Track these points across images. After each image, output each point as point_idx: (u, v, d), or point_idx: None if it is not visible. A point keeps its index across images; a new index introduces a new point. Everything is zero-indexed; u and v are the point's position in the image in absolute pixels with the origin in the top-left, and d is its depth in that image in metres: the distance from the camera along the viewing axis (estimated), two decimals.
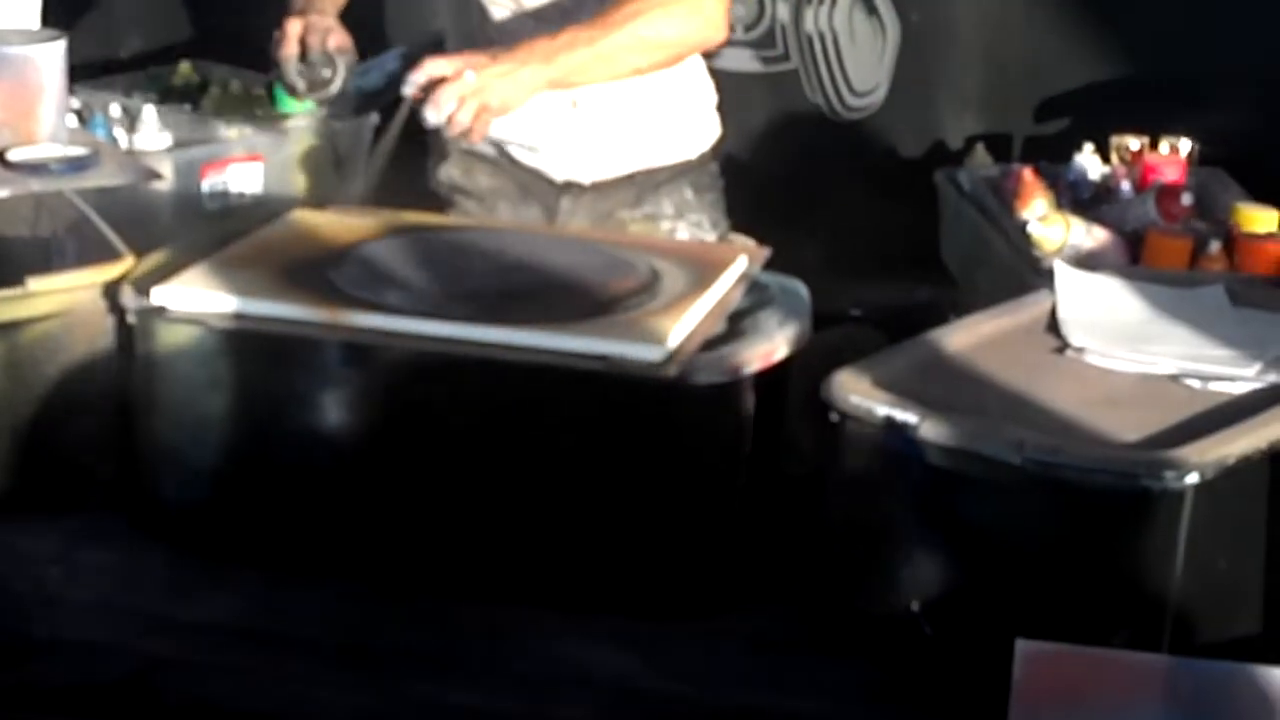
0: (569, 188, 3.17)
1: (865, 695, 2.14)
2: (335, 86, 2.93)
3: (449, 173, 3.20)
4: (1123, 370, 2.34)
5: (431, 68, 2.67)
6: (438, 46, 3.28)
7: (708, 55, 3.15)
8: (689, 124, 3.19)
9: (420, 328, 2.29)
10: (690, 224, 3.17)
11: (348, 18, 3.01)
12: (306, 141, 3.40)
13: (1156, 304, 2.56)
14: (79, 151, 2.71)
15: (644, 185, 3.16)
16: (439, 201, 3.20)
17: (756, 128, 4.18)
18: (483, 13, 3.10)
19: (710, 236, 3.18)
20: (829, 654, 2.20)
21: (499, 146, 3.17)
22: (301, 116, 3.46)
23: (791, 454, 2.45)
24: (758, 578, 2.34)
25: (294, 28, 2.91)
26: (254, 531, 2.38)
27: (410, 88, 2.67)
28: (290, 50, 2.89)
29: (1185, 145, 3.49)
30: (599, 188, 3.16)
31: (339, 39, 2.93)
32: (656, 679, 2.18)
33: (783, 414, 2.41)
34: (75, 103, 3.27)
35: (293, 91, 2.96)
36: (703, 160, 3.22)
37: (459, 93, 2.64)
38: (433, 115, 2.65)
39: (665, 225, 3.16)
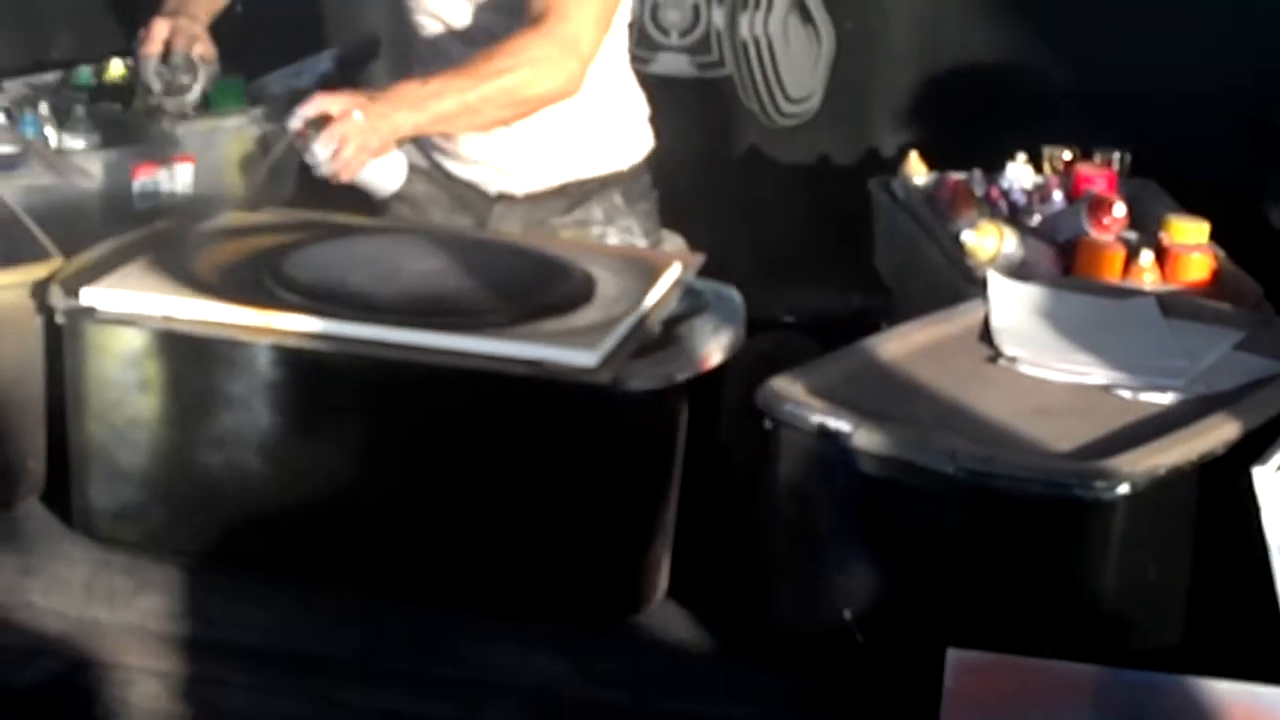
0: (501, 198, 3.16)
1: (797, 703, 2.14)
2: (193, 95, 2.93)
3: None
4: (1055, 380, 2.35)
5: (319, 104, 2.67)
6: (370, 49, 3.28)
7: (642, 60, 3.15)
8: (621, 136, 3.19)
9: (352, 331, 2.27)
10: (620, 229, 3.17)
11: (285, 18, 3.00)
12: (238, 142, 3.37)
13: (1089, 314, 2.57)
14: (7, 150, 2.68)
15: (575, 195, 3.16)
16: (372, 206, 3.18)
17: (691, 133, 4.17)
18: (413, 29, 3.10)
19: (641, 244, 3.18)
20: (761, 661, 2.20)
21: (432, 160, 3.16)
22: (233, 117, 3.43)
23: (725, 461, 2.45)
24: (690, 585, 2.34)
25: (161, 28, 2.91)
26: (182, 534, 2.37)
27: (296, 121, 2.67)
28: (153, 49, 2.89)
29: (1117, 156, 3.50)
30: (532, 198, 3.16)
31: (204, 48, 2.93)
32: (588, 685, 2.17)
33: (716, 420, 2.41)
34: (4, 100, 3.24)
35: (148, 91, 2.95)
36: (635, 171, 3.22)
37: (343, 132, 2.65)
38: (321, 150, 2.65)
39: (595, 231, 3.15)
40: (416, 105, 2.73)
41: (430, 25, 3.07)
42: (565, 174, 3.16)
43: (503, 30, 2.90)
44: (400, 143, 2.78)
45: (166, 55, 2.90)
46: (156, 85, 2.92)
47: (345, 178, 2.72)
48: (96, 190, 3.06)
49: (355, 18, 4.17)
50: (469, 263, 2.53)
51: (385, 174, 2.80)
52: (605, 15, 2.90)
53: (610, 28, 2.93)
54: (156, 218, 2.85)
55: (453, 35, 3.05)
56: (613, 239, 3.15)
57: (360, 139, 2.67)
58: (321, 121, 2.66)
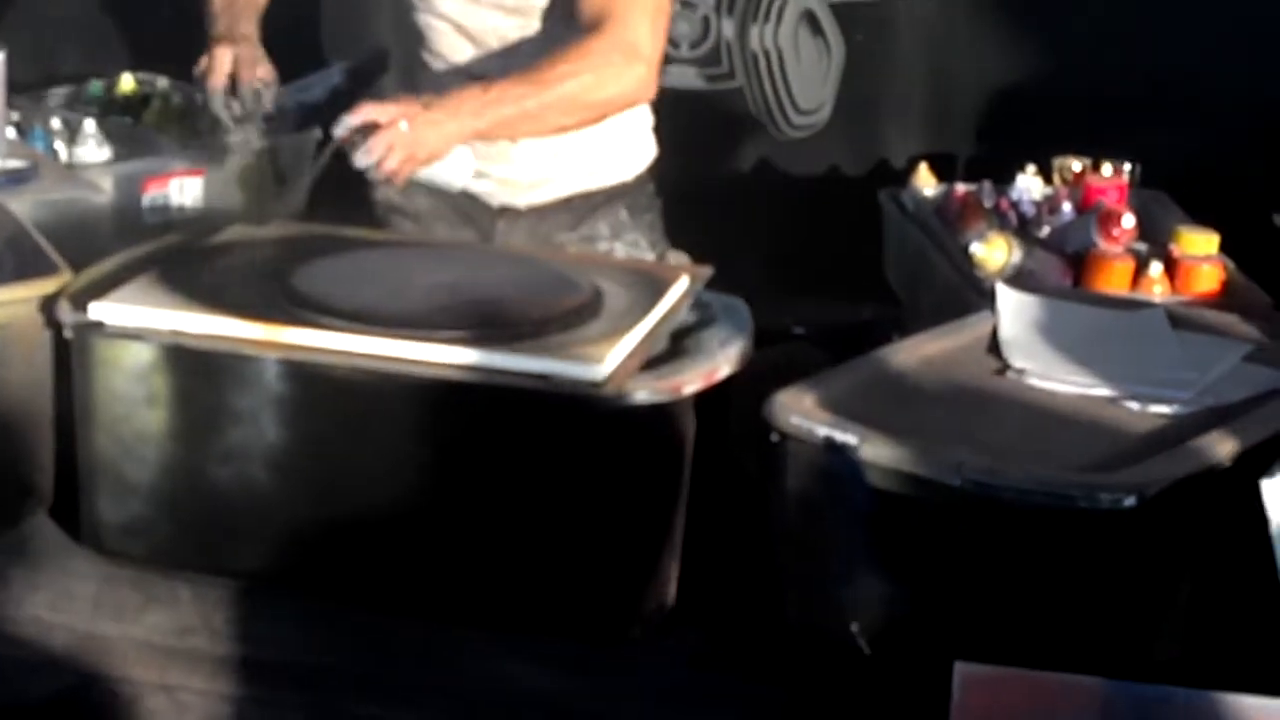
0: (505, 212, 3.16)
1: (803, 716, 2.14)
2: (259, 121, 2.95)
3: (385, 193, 3.18)
4: (1063, 391, 2.35)
5: (366, 112, 2.69)
6: (380, 62, 3.28)
7: None
8: (625, 147, 3.18)
9: (360, 344, 2.27)
10: (627, 244, 3.17)
11: (286, 34, 3.00)
12: (248, 156, 3.37)
13: (1097, 326, 2.57)
14: (18, 164, 2.69)
15: (580, 209, 3.16)
16: (375, 220, 3.18)
17: (701, 145, 4.18)
18: (420, 38, 3.10)
19: (648, 256, 3.17)
20: (767, 675, 2.19)
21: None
22: (243, 131, 3.44)
23: (732, 473, 2.45)
24: (696, 598, 2.33)
25: (224, 60, 2.90)
26: (190, 549, 2.37)
27: (342, 129, 2.70)
28: (219, 82, 2.90)
29: (1127, 167, 3.50)
30: (536, 211, 3.15)
31: (265, 70, 2.93)
32: (595, 699, 2.17)
33: (724, 433, 2.41)
34: (14, 115, 3.24)
35: (217, 123, 2.98)
36: (639, 181, 3.21)
37: (389, 140, 2.68)
38: (362, 159, 2.69)
39: (602, 246, 3.15)
40: (476, 112, 2.75)
41: (438, 27, 3.07)
42: (569, 186, 3.15)
43: (517, 35, 2.90)
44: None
45: (233, 86, 2.91)
46: (225, 116, 2.94)
47: (399, 183, 2.78)
48: (106, 204, 3.06)
49: (360, 32, 4.17)
50: (477, 277, 2.53)
51: (450, 172, 2.86)
52: (660, 18, 2.92)
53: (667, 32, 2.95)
54: (166, 232, 2.85)
55: (465, 40, 3.04)
56: (620, 254, 3.15)
57: (407, 149, 2.69)
58: (368, 129, 2.68)
